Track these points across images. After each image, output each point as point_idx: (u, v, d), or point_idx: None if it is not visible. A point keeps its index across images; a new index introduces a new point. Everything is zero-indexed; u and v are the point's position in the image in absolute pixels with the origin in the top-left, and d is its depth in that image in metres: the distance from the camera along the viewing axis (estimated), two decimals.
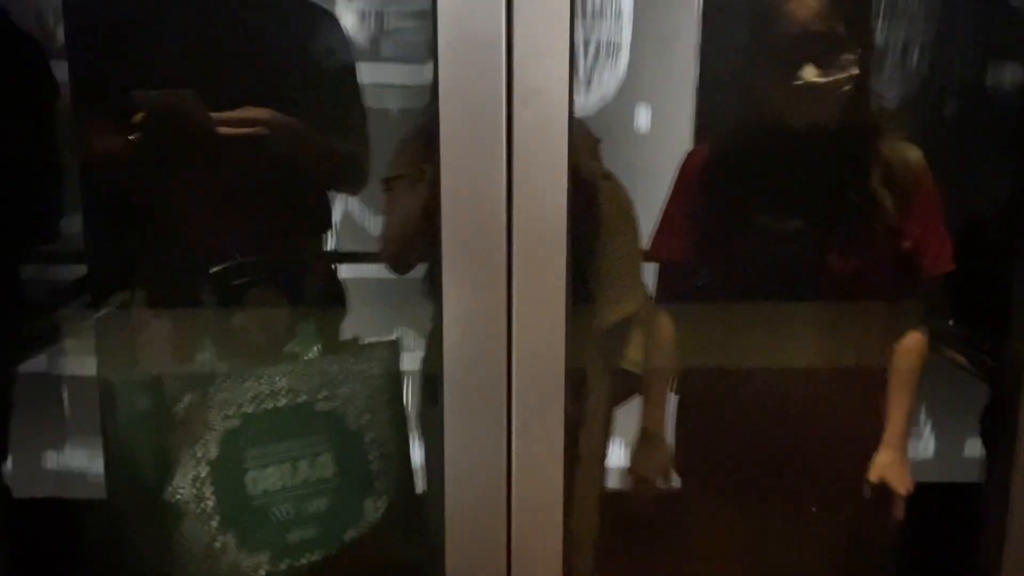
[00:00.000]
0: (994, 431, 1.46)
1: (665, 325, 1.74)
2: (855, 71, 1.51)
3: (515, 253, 1.09)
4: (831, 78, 1.50)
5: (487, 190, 1.08)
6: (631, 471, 1.78)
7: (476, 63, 1.05)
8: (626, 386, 1.80)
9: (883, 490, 1.65)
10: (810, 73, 1.49)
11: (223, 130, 1.49)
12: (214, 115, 1.49)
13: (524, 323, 1.10)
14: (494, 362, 1.11)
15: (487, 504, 1.17)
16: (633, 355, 1.77)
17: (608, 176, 1.72)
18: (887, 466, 1.66)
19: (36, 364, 1.96)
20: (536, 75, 1.06)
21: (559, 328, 1.11)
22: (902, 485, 1.65)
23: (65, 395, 2.09)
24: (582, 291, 1.69)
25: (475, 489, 1.17)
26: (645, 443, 1.77)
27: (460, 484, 1.16)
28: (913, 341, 1.67)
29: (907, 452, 1.67)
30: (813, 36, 1.49)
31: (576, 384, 1.69)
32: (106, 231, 1.75)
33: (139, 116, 1.46)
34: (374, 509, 1.67)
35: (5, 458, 1.84)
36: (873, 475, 1.66)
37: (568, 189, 1.09)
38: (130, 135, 1.46)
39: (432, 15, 1.04)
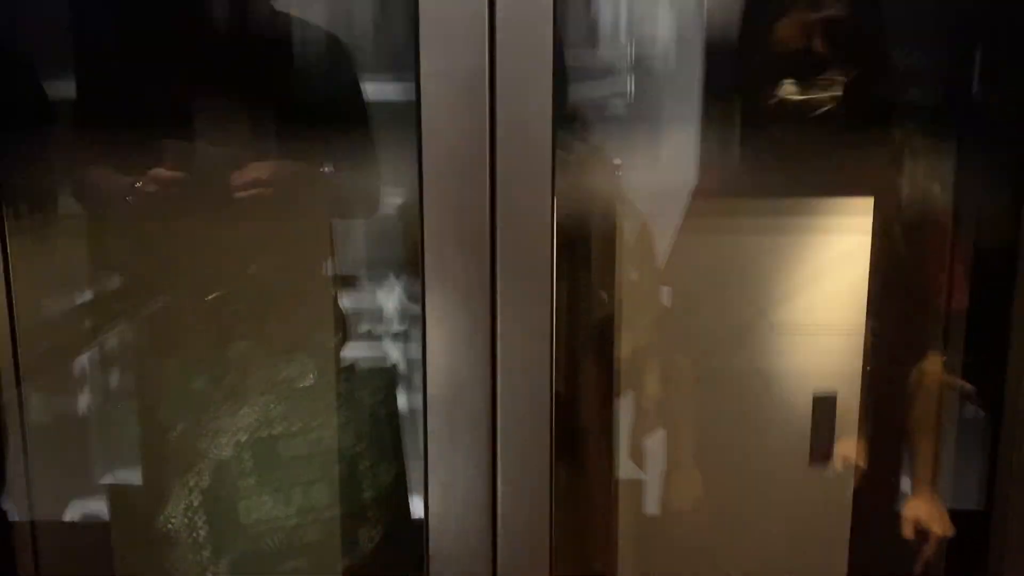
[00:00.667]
0: (995, 459, 1.44)
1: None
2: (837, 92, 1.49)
3: (499, 280, 1.08)
4: (810, 96, 1.48)
5: (471, 219, 1.07)
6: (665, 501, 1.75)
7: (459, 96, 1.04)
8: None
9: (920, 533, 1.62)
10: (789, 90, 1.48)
11: (236, 194, 1.50)
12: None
13: (509, 351, 1.08)
14: (478, 390, 1.09)
15: (472, 536, 1.14)
16: (651, 389, 1.75)
17: (624, 201, 1.71)
18: (922, 509, 1.62)
19: None
20: (519, 109, 1.04)
21: (544, 357, 1.09)
22: (939, 526, 1.61)
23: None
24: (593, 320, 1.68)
25: (459, 521, 1.15)
26: (675, 473, 1.74)
27: (444, 517, 1.15)
28: (930, 380, 1.63)
29: (939, 493, 1.64)
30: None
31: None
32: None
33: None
34: (368, 539, 1.65)
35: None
36: (908, 520, 1.63)
37: (552, 218, 1.07)
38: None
39: (414, 48, 1.03)
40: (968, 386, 1.68)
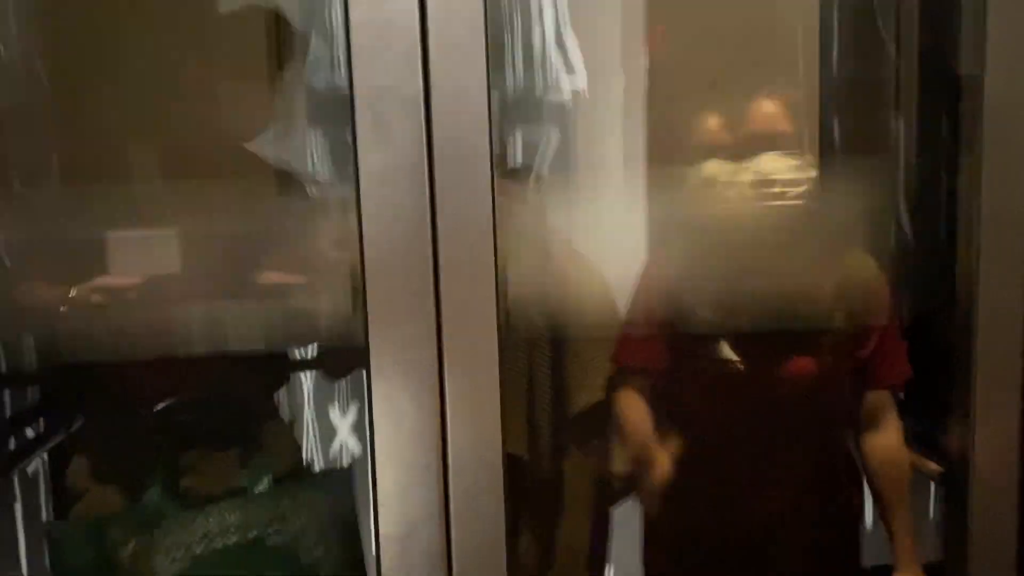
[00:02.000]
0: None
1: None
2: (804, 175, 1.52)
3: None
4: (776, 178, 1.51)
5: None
6: None
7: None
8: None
9: None
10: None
11: None
12: None
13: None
14: (432, 527, 1.08)
15: None
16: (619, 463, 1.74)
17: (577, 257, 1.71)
18: None
19: None
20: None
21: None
22: None
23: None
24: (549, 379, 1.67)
25: None
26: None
27: None
28: (895, 452, 1.63)
29: (920, 566, 1.63)
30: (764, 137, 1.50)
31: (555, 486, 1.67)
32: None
33: None
34: None
35: None
36: None
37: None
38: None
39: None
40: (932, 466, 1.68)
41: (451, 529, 1.07)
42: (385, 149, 1.03)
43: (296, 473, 1.70)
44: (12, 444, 1.81)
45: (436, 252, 1.05)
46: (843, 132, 1.77)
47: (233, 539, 1.57)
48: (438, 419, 1.05)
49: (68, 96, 1.51)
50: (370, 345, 1.05)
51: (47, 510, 1.73)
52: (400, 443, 1.06)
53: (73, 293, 1.47)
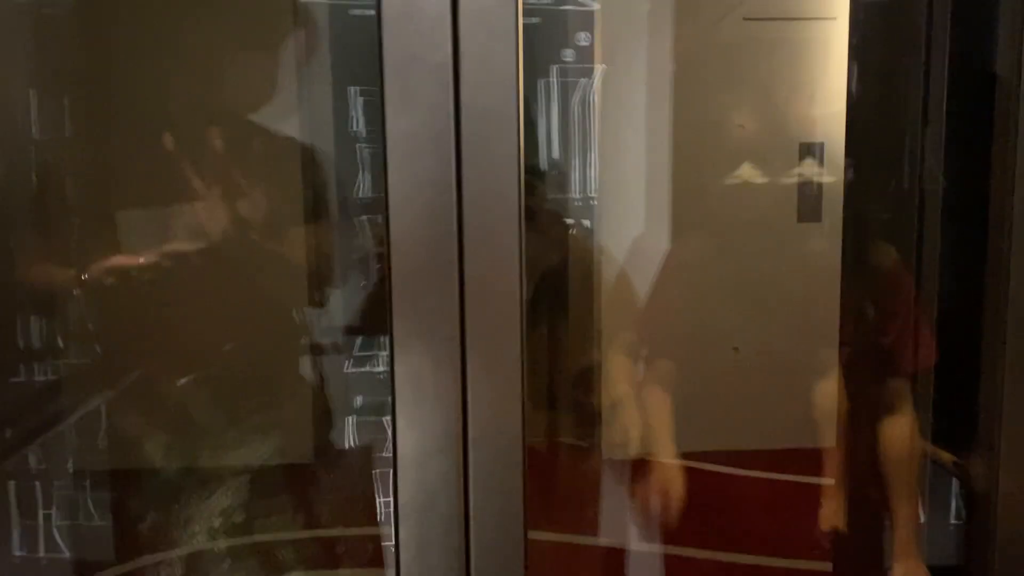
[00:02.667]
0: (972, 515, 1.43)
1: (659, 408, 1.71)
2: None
3: (469, 383, 1.07)
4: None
5: (440, 318, 1.06)
6: None
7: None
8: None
9: None
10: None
11: None
12: None
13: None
14: (451, 496, 1.08)
15: None
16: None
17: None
18: None
19: None
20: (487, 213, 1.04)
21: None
22: None
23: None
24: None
25: None
26: None
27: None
28: (905, 444, 1.63)
29: (922, 558, 1.62)
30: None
31: None
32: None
33: None
34: None
35: None
36: None
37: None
38: None
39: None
40: (946, 455, 1.67)
41: (469, 498, 1.07)
42: (412, 116, 1.03)
43: (315, 449, 1.71)
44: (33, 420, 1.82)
45: (461, 220, 1.05)
46: (871, 124, 1.75)
47: (251, 513, 1.59)
48: (459, 386, 1.05)
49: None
50: (393, 311, 1.05)
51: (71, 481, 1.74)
52: (421, 410, 1.06)
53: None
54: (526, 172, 1.06)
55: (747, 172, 1.63)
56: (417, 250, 1.06)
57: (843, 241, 1.65)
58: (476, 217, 1.06)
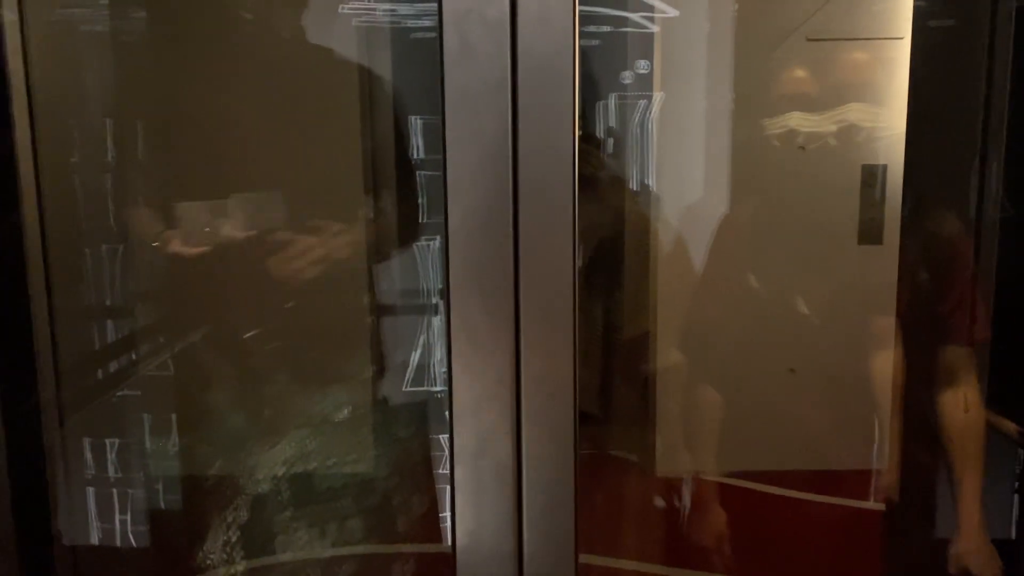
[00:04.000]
0: None
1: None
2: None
3: (522, 333, 1.10)
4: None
5: (495, 272, 1.09)
6: None
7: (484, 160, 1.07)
8: None
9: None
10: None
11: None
12: None
13: (533, 402, 1.10)
14: (504, 441, 1.11)
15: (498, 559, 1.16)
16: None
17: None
18: (969, 554, 1.59)
19: None
20: (541, 170, 1.07)
21: (568, 407, 1.11)
22: (989, 572, 1.57)
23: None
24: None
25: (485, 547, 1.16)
26: None
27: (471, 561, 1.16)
28: (968, 411, 1.61)
29: (987, 534, 1.60)
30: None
31: None
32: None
33: None
34: (402, 572, 1.68)
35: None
36: (953, 566, 1.59)
37: (574, 266, 1.09)
38: None
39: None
40: (1012, 426, 1.65)
41: (522, 442, 1.10)
42: (470, 71, 1.06)
43: (376, 404, 1.76)
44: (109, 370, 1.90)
45: (516, 175, 1.08)
46: (930, 147, 1.73)
47: (312, 464, 1.64)
48: (512, 335, 1.08)
49: None
50: (449, 264, 1.08)
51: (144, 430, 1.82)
52: (475, 358, 1.10)
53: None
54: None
55: (808, 194, 1.62)
56: (474, 202, 1.09)
57: (899, 264, 1.63)
58: (530, 171, 1.08)
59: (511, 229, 1.09)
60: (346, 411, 1.70)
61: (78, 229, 1.66)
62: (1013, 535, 1.58)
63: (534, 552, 1.13)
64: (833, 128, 1.61)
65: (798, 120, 1.62)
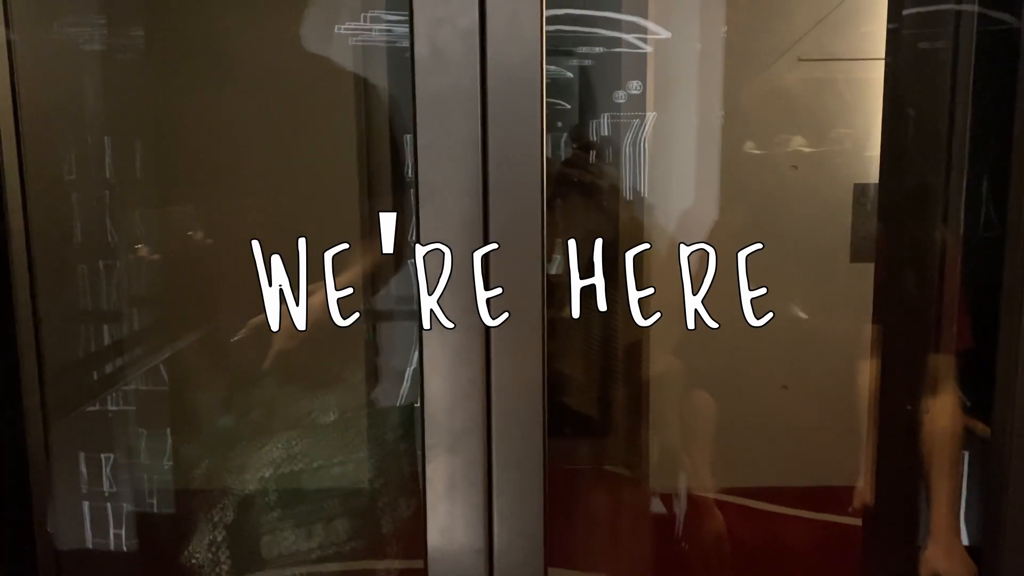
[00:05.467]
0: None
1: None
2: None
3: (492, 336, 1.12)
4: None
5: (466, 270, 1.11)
6: None
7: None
8: None
9: None
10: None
11: None
12: None
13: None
14: (475, 439, 1.14)
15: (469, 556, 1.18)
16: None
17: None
18: (940, 559, 1.57)
19: None
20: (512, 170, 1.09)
21: (537, 404, 1.13)
22: None
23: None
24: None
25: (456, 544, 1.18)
26: None
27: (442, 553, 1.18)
28: (946, 419, 1.61)
29: (960, 539, 1.58)
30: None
31: None
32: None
33: None
34: (387, 573, 1.70)
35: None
36: (925, 572, 1.58)
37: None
38: None
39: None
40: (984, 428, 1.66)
41: (492, 441, 1.12)
42: (441, 78, 1.08)
43: (362, 408, 1.78)
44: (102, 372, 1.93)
45: (486, 179, 1.10)
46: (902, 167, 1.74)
47: (299, 465, 1.66)
48: (483, 337, 1.11)
49: None
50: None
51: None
52: (447, 360, 1.12)
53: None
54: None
55: (800, 212, 1.64)
56: (445, 205, 1.11)
57: (875, 277, 1.63)
58: (500, 176, 1.10)
59: (481, 231, 1.11)
60: (332, 414, 1.73)
61: (67, 238, 1.69)
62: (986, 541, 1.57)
63: (504, 549, 1.15)
64: (825, 147, 1.63)
65: (791, 139, 1.64)
